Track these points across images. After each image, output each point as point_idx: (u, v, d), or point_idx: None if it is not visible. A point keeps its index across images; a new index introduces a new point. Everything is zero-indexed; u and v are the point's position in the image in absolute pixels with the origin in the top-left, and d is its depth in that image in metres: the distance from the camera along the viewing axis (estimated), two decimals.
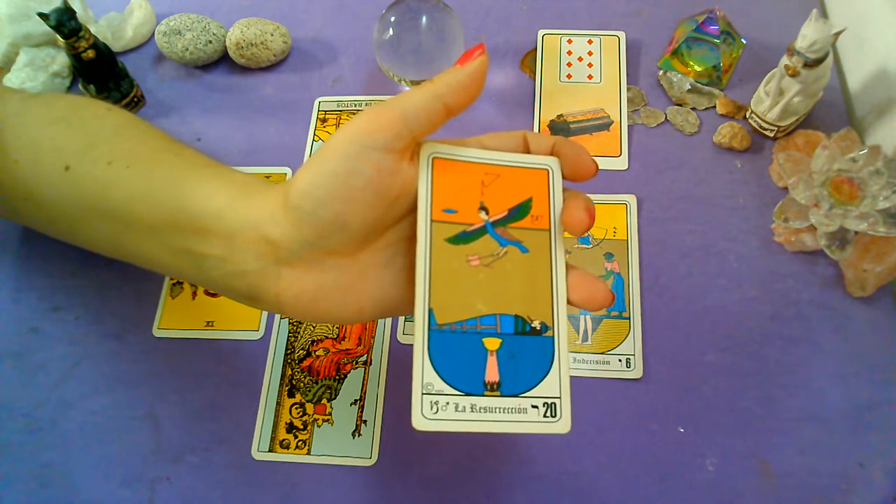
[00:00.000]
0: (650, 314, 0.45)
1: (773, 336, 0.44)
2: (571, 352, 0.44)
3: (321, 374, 0.45)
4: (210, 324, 0.48)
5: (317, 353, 0.46)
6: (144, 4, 0.61)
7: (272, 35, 0.57)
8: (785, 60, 0.45)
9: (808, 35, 0.42)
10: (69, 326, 0.49)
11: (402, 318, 0.46)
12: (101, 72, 0.53)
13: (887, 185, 0.40)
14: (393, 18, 0.51)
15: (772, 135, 0.49)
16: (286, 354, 0.46)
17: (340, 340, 0.46)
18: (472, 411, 0.29)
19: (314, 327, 0.47)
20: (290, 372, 0.46)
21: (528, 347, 0.30)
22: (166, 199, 0.35)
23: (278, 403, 0.45)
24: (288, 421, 0.44)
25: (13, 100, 0.43)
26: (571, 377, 0.43)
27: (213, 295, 0.49)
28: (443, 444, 0.42)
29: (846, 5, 0.54)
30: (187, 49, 0.57)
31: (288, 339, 0.47)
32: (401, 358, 0.45)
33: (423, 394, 0.29)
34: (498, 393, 0.29)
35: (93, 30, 0.57)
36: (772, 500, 0.39)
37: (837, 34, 0.42)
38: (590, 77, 0.54)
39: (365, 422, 0.44)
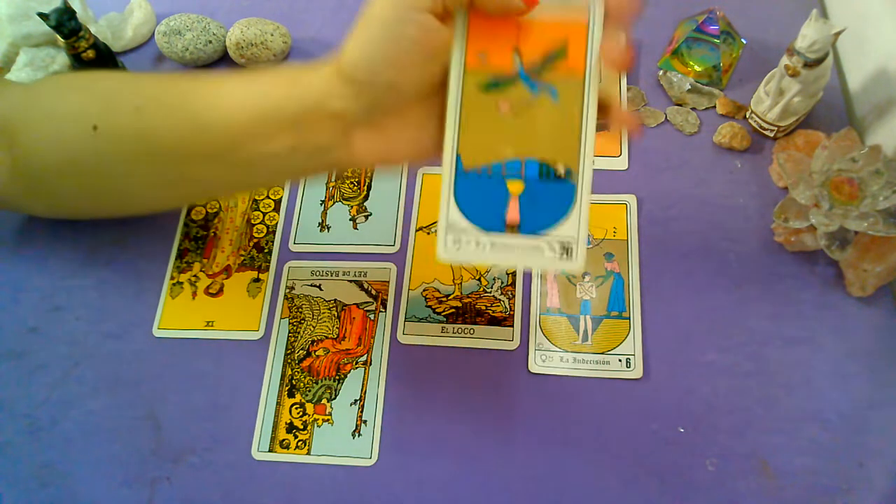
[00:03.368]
0: (650, 314, 0.45)
1: (773, 336, 0.44)
2: (571, 352, 0.44)
3: (321, 374, 0.45)
4: (210, 324, 0.48)
5: (317, 353, 0.46)
6: (144, 4, 0.61)
7: (272, 35, 0.57)
8: (785, 60, 0.45)
9: (808, 35, 0.42)
10: (69, 326, 0.49)
11: (401, 318, 0.46)
12: None
13: (887, 185, 0.40)
14: None
15: (772, 135, 0.49)
16: (286, 354, 0.46)
17: (340, 340, 0.46)
18: (492, 247, 0.31)
19: (314, 327, 0.47)
20: (290, 372, 0.46)
21: (549, 191, 0.31)
22: (215, 124, 0.36)
23: (278, 403, 0.45)
24: (288, 421, 0.44)
25: (16, 87, 0.44)
26: (571, 377, 0.43)
27: (214, 295, 0.49)
28: (443, 444, 0.42)
29: (846, 5, 0.54)
30: (187, 49, 0.57)
31: (288, 339, 0.47)
32: (401, 358, 0.45)
33: (446, 230, 0.31)
34: (517, 232, 0.31)
35: (93, 30, 0.57)
36: (772, 500, 0.39)
37: (837, 34, 0.42)
38: None
39: (365, 422, 0.44)
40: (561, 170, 0.31)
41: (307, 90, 0.33)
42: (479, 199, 0.31)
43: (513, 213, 0.31)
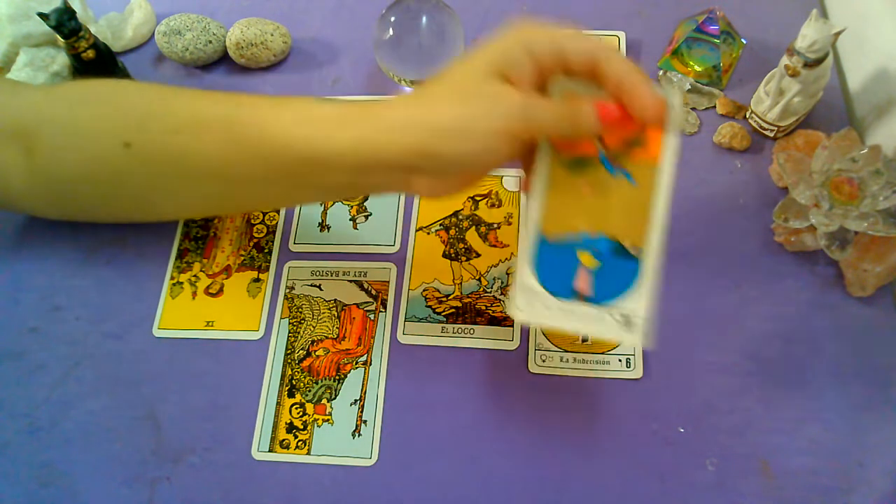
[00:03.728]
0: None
1: (773, 336, 0.44)
2: (571, 352, 0.44)
3: (321, 374, 0.45)
4: (210, 324, 0.48)
5: (317, 353, 0.46)
6: (144, 4, 0.61)
7: (272, 35, 0.57)
8: (785, 60, 0.45)
9: (808, 35, 0.42)
10: (69, 326, 0.49)
11: (402, 318, 0.46)
12: (101, 72, 0.53)
13: (887, 185, 0.40)
14: (393, 18, 0.51)
15: (772, 135, 0.49)
16: (286, 354, 0.46)
17: (340, 340, 0.46)
18: (560, 312, 0.33)
19: (314, 327, 0.47)
20: (290, 372, 0.46)
21: (618, 266, 0.33)
22: (265, 157, 0.36)
23: (278, 403, 0.45)
24: (288, 421, 0.44)
25: (30, 89, 0.44)
26: (571, 377, 0.43)
27: (214, 295, 0.49)
28: (443, 444, 0.42)
29: (846, 5, 0.54)
30: (187, 49, 0.57)
31: (288, 339, 0.47)
32: (401, 358, 0.45)
33: (519, 291, 0.34)
34: (584, 301, 0.33)
35: (93, 30, 0.57)
36: (772, 500, 0.39)
37: (837, 34, 0.42)
38: None
39: (365, 422, 0.44)
40: (630, 247, 0.33)
41: (373, 146, 0.33)
42: (553, 266, 0.34)
43: (582, 282, 0.34)
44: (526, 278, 0.34)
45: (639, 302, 0.33)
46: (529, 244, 0.34)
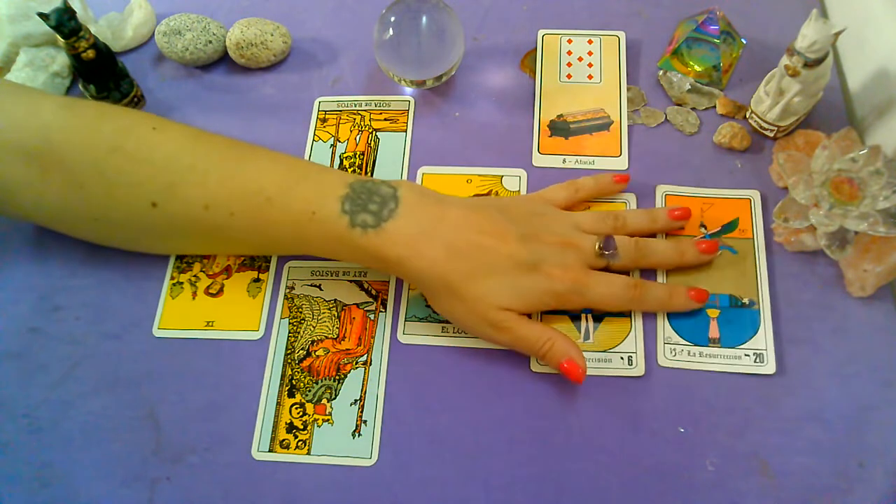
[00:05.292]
0: (650, 312, 0.45)
1: (774, 336, 0.43)
2: None
3: (321, 374, 0.45)
4: (210, 324, 0.48)
5: (317, 353, 0.46)
6: (144, 4, 0.61)
7: (272, 35, 0.57)
8: (785, 60, 0.45)
9: (808, 35, 0.42)
10: (69, 326, 0.49)
11: (402, 318, 0.46)
12: (101, 72, 0.53)
13: (887, 185, 0.40)
14: (393, 18, 0.51)
15: (772, 135, 0.49)
16: (286, 354, 0.46)
17: (340, 340, 0.46)
18: (700, 356, 0.42)
19: (314, 327, 0.47)
20: (289, 372, 0.46)
21: (739, 315, 0.43)
22: (295, 247, 0.43)
23: (278, 403, 0.45)
24: (288, 421, 0.44)
25: (47, 106, 0.43)
26: None
27: (214, 295, 0.49)
28: (443, 444, 0.42)
29: (846, 5, 0.54)
30: (187, 49, 0.57)
31: (288, 339, 0.47)
32: (401, 358, 0.45)
33: (664, 343, 0.43)
34: (719, 345, 0.42)
35: (93, 30, 0.57)
36: (772, 500, 0.39)
37: (837, 34, 0.42)
38: (590, 77, 0.54)
39: (365, 422, 0.44)
40: (746, 301, 0.43)
41: (401, 267, 0.41)
42: (688, 321, 0.43)
43: (713, 330, 0.43)
44: (667, 333, 0.43)
45: (763, 341, 0.42)
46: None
